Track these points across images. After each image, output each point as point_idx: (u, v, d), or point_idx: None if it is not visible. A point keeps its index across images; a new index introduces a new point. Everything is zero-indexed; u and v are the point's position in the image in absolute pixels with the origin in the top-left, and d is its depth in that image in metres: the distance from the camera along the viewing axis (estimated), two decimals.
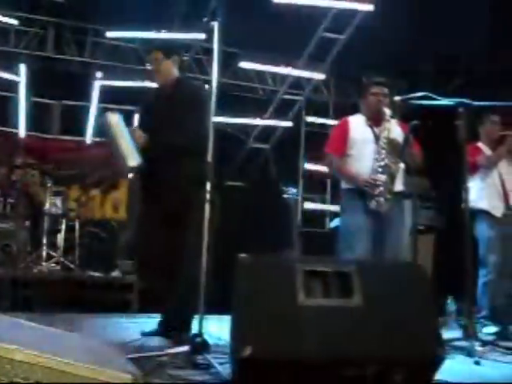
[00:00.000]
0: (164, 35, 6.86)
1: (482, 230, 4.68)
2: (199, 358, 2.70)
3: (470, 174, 4.71)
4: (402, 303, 2.42)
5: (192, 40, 7.77)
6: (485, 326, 4.59)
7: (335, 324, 2.32)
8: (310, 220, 8.52)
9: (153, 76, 3.75)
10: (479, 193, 4.69)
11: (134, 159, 3.40)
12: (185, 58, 7.78)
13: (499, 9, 6.44)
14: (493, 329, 4.49)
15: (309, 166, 8.57)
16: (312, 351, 2.28)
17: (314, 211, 8.65)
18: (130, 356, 2.69)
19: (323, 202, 8.72)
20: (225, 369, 2.53)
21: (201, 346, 2.75)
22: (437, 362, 2.36)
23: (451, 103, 3.61)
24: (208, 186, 2.93)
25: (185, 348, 2.80)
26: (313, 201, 8.72)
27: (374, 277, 2.46)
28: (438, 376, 2.43)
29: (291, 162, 8.66)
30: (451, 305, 5.54)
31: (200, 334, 2.80)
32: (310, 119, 8.85)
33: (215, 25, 3.13)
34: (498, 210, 4.69)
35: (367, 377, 2.28)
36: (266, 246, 6.19)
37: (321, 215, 8.66)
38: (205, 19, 3.25)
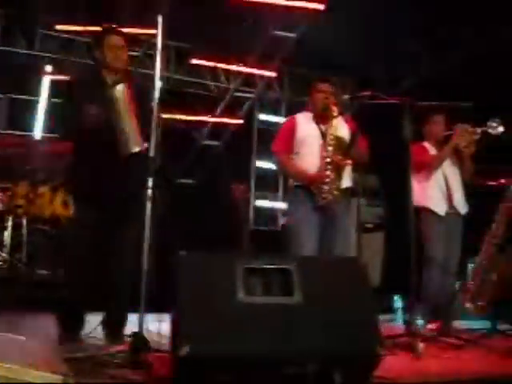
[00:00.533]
0: None
1: (427, 229, 4.75)
2: (139, 357, 2.65)
3: (415, 172, 4.80)
4: (342, 300, 2.43)
5: (144, 35, 7.66)
6: (429, 322, 4.67)
7: (275, 322, 2.31)
8: (263, 218, 8.54)
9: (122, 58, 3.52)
10: (424, 191, 4.76)
11: (136, 144, 3.24)
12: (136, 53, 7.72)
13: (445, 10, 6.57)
14: (437, 325, 4.57)
15: (261, 164, 8.58)
16: (252, 349, 2.27)
17: (266, 209, 8.66)
18: (69, 355, 2.64)
19: (275, 199, 8.72)
20: (165, 368, 2.50)
21: (141, 344, 2.70)
22: (376, 360, 2.37)
23: (396, 102, 3.65)
24: (150, 182, 2.88)
25: (125, 347, 2.75)
26: (265, 198, 8.73)
27: (315, 274, 2.46)
28: (379, 372, 2.44)
29: (243, 160, 8.65)
30: (398, 302, 5.63)
31: (140, 333, 2.75)
32: (262, 117, 8.85)
33: (159, 18, 3.09)
34: (441, 209, 4.75)
35: (308, 375, 2.28)
36: (214, 244, 6.18)
37: (273, 213, 8.67)
38: (150, 13, 3.20)
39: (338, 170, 3.93)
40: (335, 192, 3.90)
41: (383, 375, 2.48)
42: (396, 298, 5.70)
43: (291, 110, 7.86)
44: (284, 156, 4.16)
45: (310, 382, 2.28)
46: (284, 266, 2.41)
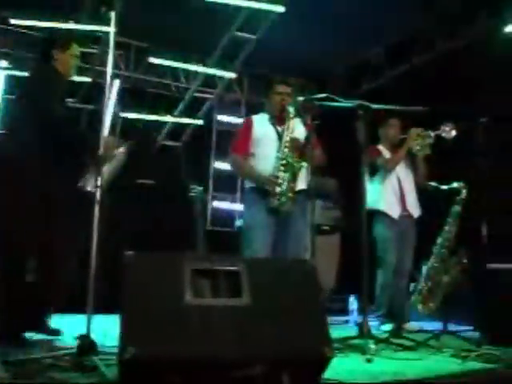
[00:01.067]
0: (71, 26, 6.65)
1: (380, 231, 4.80)
2: (86, 360, 2.60)
3: (369, 175, 4.85)
4: (291, 302, 2.41)
5: (103, 32, 7.54)
6: (383, 323, 4.71)
7: (223, 324, 2.28)
8: (220, 219, 8.51)
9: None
10: (378, 194, 4.82)
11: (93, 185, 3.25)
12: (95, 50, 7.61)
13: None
14: (390, 326, 4.61)
15: (219, 165, 8.57)
16: (199, 351, 2.23)
17: (223, 210, 8.64)
18: (11, 358, 2.57)
19: (233, 201, 8.70)
20: (112, 371, 2.45)
21: (88, 347, 2.65)
22: (324, 362, 2.36)
23: (351, 105, 3.66)
24: (99, 182, 2.83)
25: (71, 349, 2.69)
26: (223, 200, 8.70)
27: (264, 275, 2.44)
28: (329, 374, 2.44)
29: (202, 161, 8.61)
30: (353, 303, 5.67)
31: (87, 335, 2.70)
32: (221, 118, 8.82)
33: (112, 15, 3.05)
34: (395, 212, 4.82)
35: (256, 377, 2.26)
36: (171, 244, 6.12)
37: (230, 214, 8.65)
38: (103, 9, 3.14)
39: (293, 172, 3.93)
40: (289, 194, 3.91)
41: (332, 377, 2.48)
42: (351, 299, 5.75)
43: (251, 111, 7.87)
44: (240, 157, 4.15)
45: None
46: (233, 268, 2.39)
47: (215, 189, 8.69)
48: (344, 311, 6.07)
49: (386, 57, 8.13)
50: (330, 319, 5.49)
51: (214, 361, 2.24)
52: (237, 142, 4.22)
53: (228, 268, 2.39)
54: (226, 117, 8.80)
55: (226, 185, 8.58)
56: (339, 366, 2.84)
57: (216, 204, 8.61)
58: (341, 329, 4.55)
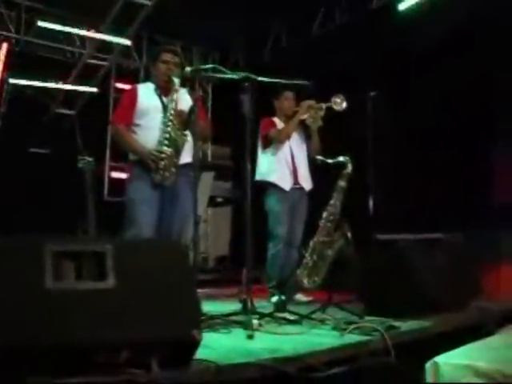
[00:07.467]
0: None
1: (271, 203, 4.81)
2: None
3: (262, 147, 4.83)
4: (159, 285, 2.32)
5: None
6: (272, 295, 4.73)
7: (87, 308, 2.17)
8: (118, 189, 8.30)
9: None
10: (270, 166, 4.81)
11: None
12: None
13: None
14: (279, 298, 4.62)
15: None
16: (60, 338, 2.12)
17: (121, 180, 8.42)
18: None
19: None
20: None
21: None
22: (193, 345, 2.30)
23: (236, 77, 3.57)
24: None
25: None
26: (121, 170, 8.47)
27: (131, 257, 2.33)
28: (206, 353, 2.39)
29: (99, 130, 8.32)
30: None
31: None
32: (119, 85, 8.54)
33: None
34: (286, 184, 4.82)
35: (122, 363, 2.18)
36: (60, 217, 5.92)
37: None
38: None
39: (177, 146, 3.81)
40: (172, 169, 3.80)
41: (210, 355, 2.42)
42: (244, 271, 5.74)
43: (149, 79, 7.64)
44: (122, 127, 3.97)
45: (125, 369, 2.19)
46: (97, 249, 2.27)
47: (113, 158, 8.45)
48: (240, 282, 6.07)
49: (287, 28, 8.13)
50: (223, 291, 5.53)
51: (76, 347, 2.13)
52: (119, 111, 4.04)
53: (93, 249, 2.27)
54: (123, 85, 8.51)
55: (124, 154, 8.35)
56: (219, 343, 2.80)
57: (113, 174, 8.40)
58: (231, 302, 4.53)
